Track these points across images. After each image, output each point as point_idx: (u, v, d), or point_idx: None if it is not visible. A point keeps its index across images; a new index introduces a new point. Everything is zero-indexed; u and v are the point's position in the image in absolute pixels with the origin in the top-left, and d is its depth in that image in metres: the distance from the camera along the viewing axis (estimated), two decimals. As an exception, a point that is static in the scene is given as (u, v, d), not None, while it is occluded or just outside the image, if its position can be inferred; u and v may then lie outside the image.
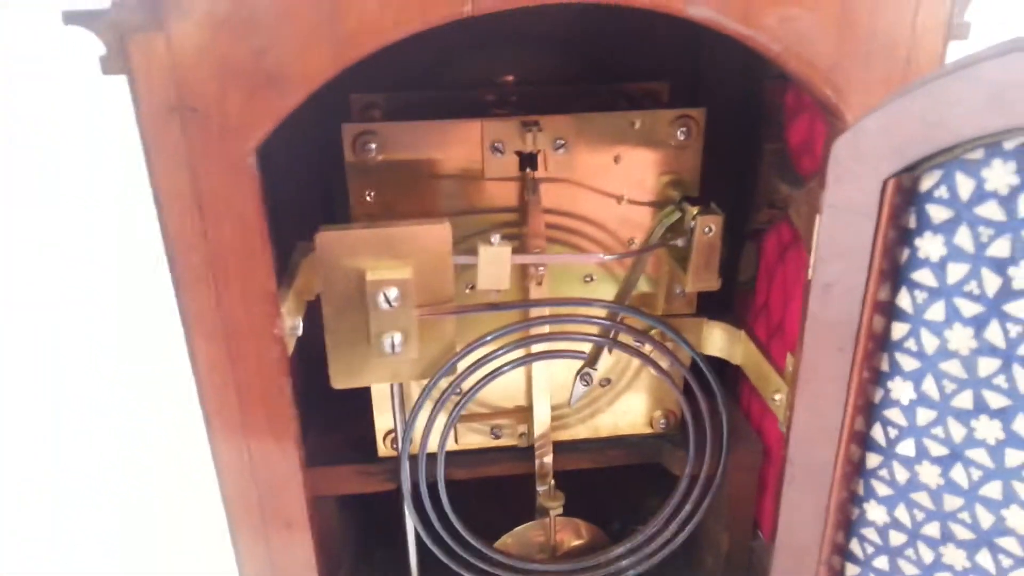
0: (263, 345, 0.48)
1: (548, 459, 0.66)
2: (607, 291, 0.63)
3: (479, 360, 0.56)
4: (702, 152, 0.60)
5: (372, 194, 0.58)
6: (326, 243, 0.50)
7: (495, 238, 0.52)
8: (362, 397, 0.65)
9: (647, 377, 0.67)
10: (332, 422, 0.71)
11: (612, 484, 0.81)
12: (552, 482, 0.66)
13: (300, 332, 0.53)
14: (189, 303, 0.46)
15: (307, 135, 0.64)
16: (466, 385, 0.58)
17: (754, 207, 0.67)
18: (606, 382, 0.66)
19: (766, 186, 0.64)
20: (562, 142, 0.57)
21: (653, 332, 0.62)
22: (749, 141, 0.66)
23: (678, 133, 0.59)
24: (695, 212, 0.57)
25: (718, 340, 0.65)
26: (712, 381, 0.59)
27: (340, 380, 0.54)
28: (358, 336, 0.53)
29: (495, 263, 0.51)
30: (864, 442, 0.50)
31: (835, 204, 0.45)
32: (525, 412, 0.66)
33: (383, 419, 0.65)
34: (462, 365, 0.57)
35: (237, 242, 0.46)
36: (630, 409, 0.68)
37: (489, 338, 0.55)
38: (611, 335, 0.60)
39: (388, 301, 0.51)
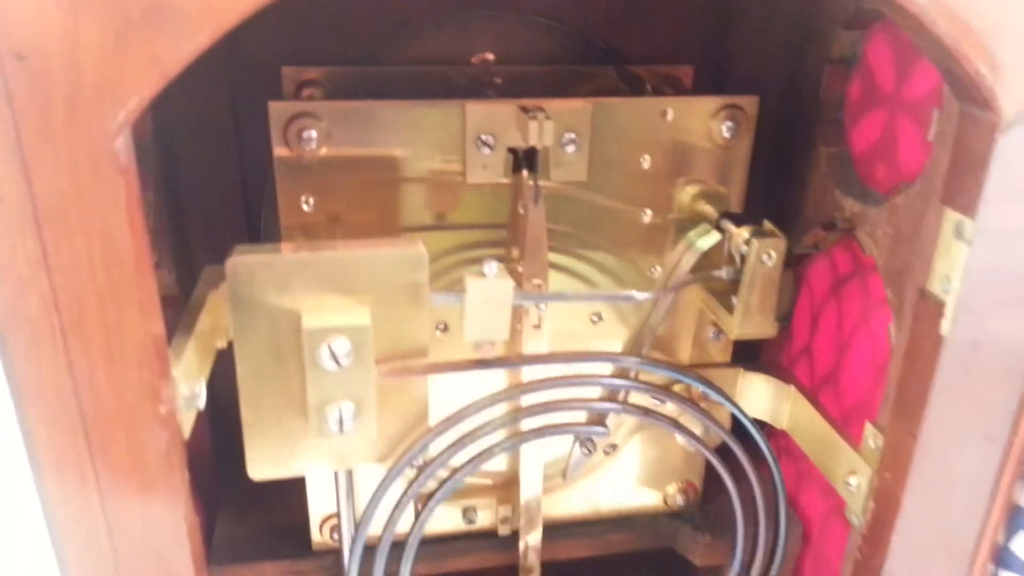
0: (142, 434, 0.31)
1: (535, 547, 0.51)
2: (617, 333, 0.49)
3: (459, 441, 0.40)
4: (750, 155, 0.46)
5: (310, 201, 0.42)
6: (241, 272, 0.34)
7: (491, 268, 0.36)
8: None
9: (661, 442, 0.52)
10: (252, 500, 0.54)
11: (612, 573, 0.66)
12: (541, 579, 0.51)
13: (202, 404, 0.36)
14: (22, 369, 0.29)
15: (230, 124, 0.48)
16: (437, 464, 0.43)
17: (798, 226, 0.53)
18: (610, 449, 0.52)
19: (819, 200, 0.51)
20: (573, 137, 0.42)
21: (676, 387, 0.47)
22: (793, 142, 0.52)
23: (723, 129, 0.44)
24: (746, 234, 0.43)
25: (759, 397, 0.50)
26: (765, 451, 0.45)
27: (262, 469, 0.38)
28: (289, 407, 0.36)
29: (492, 304, 0.36)
30: (1001, 559, 0.36)
31: (998, 230, 0.31)
32: (508, 490, 0.51)
33: (321, 501, 0.48)
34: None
35: (100, 273, 0.29)
36: (639, 482, 0.53)
37: (474, 412, 0.40)
38: (621, 397, 0.45)
39: (335, 358, 0.35)
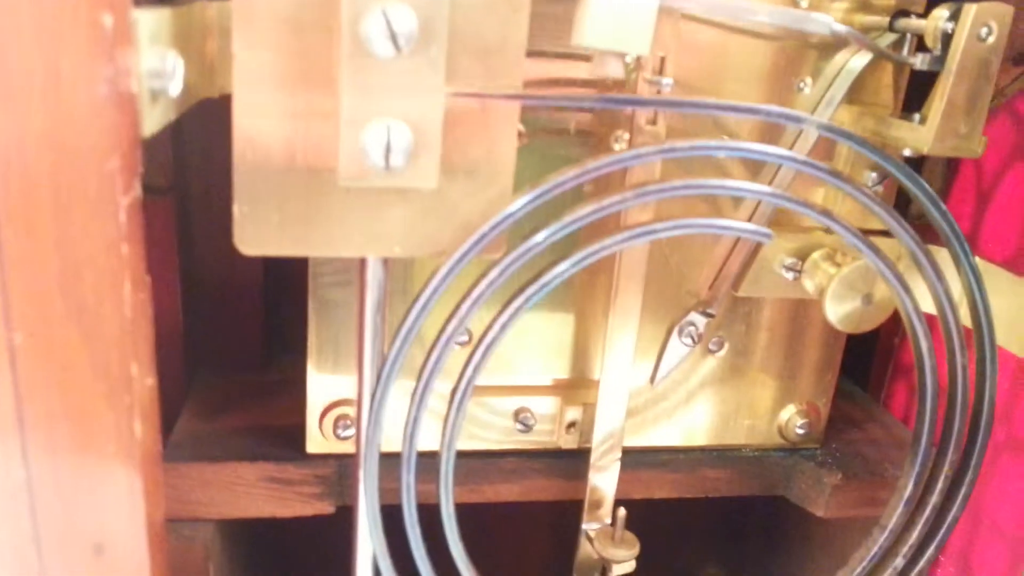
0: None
1: (612, 476, 0.37)
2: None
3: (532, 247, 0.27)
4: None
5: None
6: None
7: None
8: (290, 329, 0.37)
9: (785, 340, 0.39)
10: (228, 396, 0.41)
11: (689, 523, 0.53)
12: (621, 514, 0.37)
13: (176, 88, 0.23)
14: None
15: None
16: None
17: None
18: (718, 345, 0.38)
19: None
20: None
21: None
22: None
23: None
24: (946, 11, 0.31)
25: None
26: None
27: (256, 237, 0.24)
28: (308, 128, 0.24)
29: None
30: None
31: None
32: (575, 390, 0.37)
33: (325, 384, 0.35)
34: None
35: None
36: (748, 399, 0.40)
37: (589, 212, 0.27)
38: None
39: (393, 37, 0.22)
